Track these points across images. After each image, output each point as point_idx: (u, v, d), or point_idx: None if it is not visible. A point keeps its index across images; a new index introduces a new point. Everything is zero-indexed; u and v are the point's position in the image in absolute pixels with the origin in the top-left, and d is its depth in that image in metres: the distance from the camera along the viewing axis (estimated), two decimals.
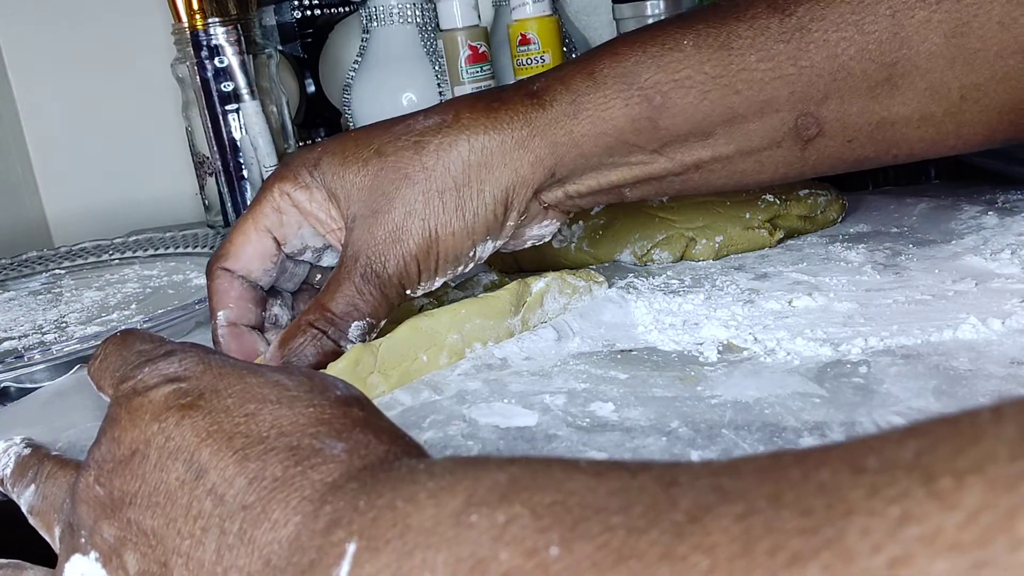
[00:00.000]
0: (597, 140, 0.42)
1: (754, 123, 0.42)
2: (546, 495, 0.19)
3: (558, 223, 0.47)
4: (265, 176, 0.77)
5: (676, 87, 0.41)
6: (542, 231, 0.47)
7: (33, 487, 0.32)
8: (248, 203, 0.77)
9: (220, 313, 0.45)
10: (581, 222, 0.58)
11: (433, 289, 0.44)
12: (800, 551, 0.15)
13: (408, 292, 0.43)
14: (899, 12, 0.40)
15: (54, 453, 0.34)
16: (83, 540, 0.27)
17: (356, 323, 0.42)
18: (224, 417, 0.25)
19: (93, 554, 0.26)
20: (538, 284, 0.47)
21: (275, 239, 0.45)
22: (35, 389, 0.48)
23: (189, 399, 0.26)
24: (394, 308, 0.43)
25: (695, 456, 0.32)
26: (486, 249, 0.44)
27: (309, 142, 0.93)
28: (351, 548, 0.20)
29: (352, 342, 0.42)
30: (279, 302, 0.47)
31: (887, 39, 0.40)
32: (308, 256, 0.47)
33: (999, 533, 0.13)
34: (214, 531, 0.23)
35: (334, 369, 0.39)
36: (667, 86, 0.42)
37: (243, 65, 0.75)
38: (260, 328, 0.46)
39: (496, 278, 0.50)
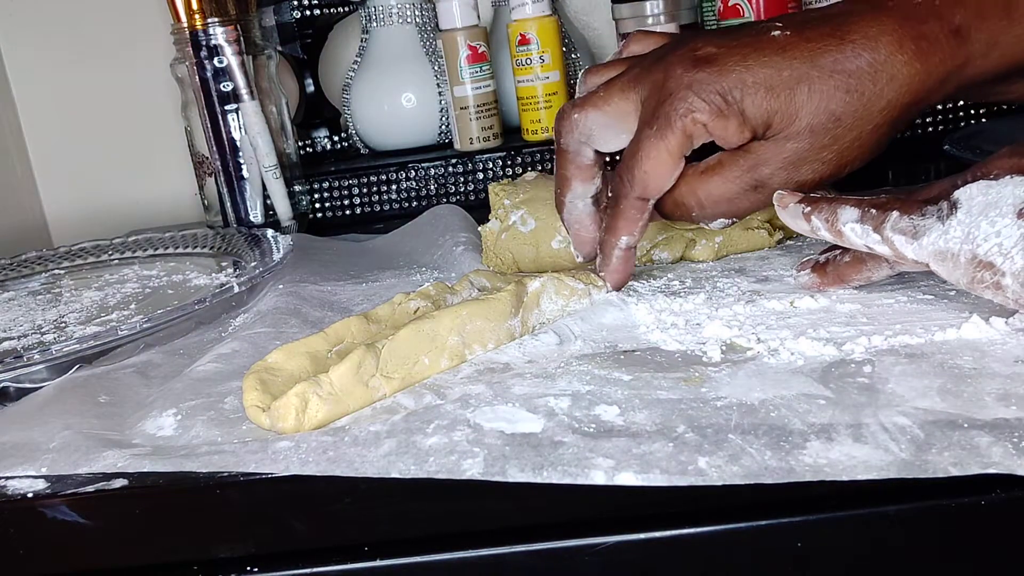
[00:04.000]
0: (997, 71, 0.44)
1: None
2: None
3: None
4: (264, 176, 0.77)
5: None
6: None
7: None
8: (247, 203, 0.77)
9: (624, 238, 0.48)
10: None
11: None
12: None
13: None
14: None
15: None
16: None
17: (723, 220, 0.46)
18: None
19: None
20: (534, 284, 0.47)
21: (683, 159, 0.46)
22: (35, 389, 0.48)
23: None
24: None
25: (703, 462, 0.32)
26: None
27: (308, 143, 0.93)
28: None
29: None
30: None
31: None
32: None
33: None
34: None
35: (336, 373, 0.39)
36: None
37: (242, 65, 0.75)
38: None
39: (488, 284, 0.50)
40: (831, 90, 0.42)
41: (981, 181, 0.39)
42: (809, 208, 0.43)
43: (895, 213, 0.40)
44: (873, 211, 0.41)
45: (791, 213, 0.44)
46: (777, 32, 0.44)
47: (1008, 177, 0.38)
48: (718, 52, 0.44)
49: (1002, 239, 0.37)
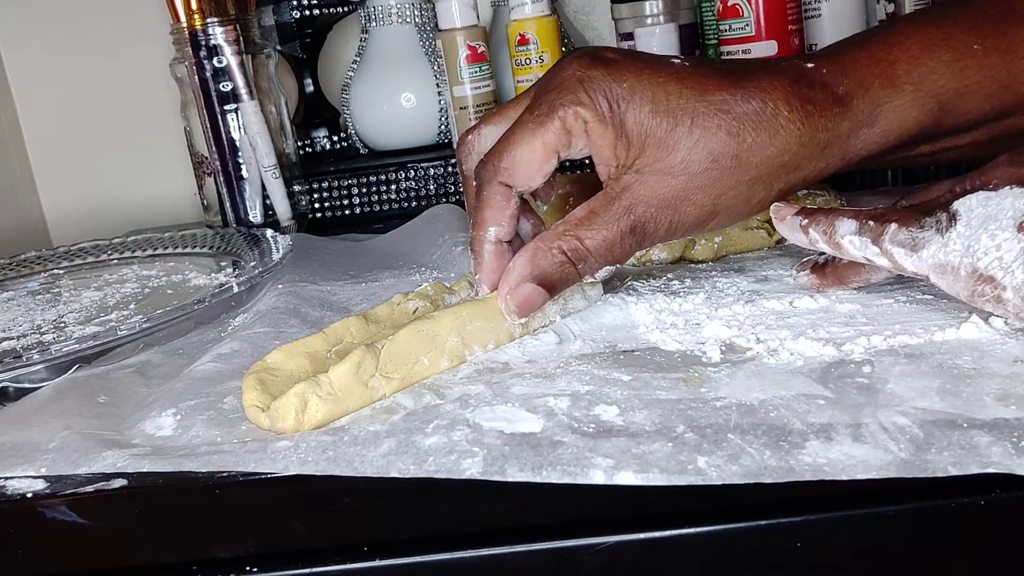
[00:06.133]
0: (884, 143, 0.44)
1: (1016, 118, 0.45)
2: None
3: None
4: (264, 176, 0.77)
5: (965, 92, 0.43)
6: None
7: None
8: (246, 203, 0.77)
9: (492, 229, 0.45)
10: None
11: None
12: None
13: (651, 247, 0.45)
14: None
15: None
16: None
17: (608, 268, 0.44)
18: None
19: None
20: None
21: (557, 156, 0.44)
22: (34, 389, 0.48)
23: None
24: None
25: (702, 462, 0.32)
26: None
27: (308, 143, 0.93)
28: None
29: (593, 280, 0.44)
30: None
31: None
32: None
33: None
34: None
35: (335, 373, 0.39)
36: (958, 91, 0.43)
37: (242, 65, 0.75)
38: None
39: None
40: (714, 128, 0.42)
41: (980, 192, 0.39)
42: (807, 221, 0.43)
43: (893, 225, 0.40)
44: (871, 223, 0.41)
45: (789, 226, 0.44)
46: (678, 62, 0.44)
47: (1007, 188, 0.38)
48: (617, 60, 0.44)
49: (1002, 253, 0.37)
